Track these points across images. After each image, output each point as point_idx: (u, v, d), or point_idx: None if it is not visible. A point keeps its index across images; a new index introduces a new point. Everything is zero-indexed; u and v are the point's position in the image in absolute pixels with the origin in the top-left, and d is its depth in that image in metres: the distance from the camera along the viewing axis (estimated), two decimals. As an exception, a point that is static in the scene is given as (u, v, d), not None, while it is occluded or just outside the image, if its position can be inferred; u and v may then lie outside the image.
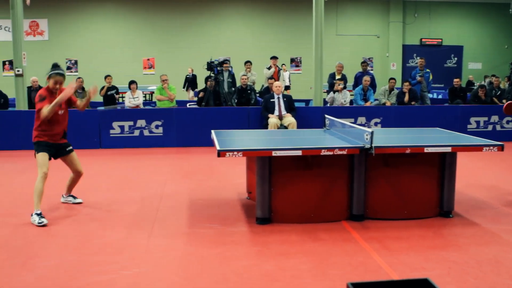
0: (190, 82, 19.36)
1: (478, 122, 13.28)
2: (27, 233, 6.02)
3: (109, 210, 6.94)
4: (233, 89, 14.08)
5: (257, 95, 14.26)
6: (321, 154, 5.99)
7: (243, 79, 13.63)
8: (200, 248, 5.42)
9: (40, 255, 5.26)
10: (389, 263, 4.95)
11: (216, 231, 5.97)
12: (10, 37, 13.75)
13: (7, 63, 20.96)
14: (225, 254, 5.24)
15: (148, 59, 22.02)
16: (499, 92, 15.47)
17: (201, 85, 14.71)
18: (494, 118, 13.32)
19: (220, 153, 5.83)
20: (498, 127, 13.33)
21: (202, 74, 14.87)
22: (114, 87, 14.89)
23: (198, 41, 22.30)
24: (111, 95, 14.72)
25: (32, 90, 14.11)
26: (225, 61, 14.02)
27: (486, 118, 13.31)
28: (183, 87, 19.34)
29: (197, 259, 5.13)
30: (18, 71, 13.28)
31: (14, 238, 5.84)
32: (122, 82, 17.08)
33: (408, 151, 6.11)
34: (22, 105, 13.36)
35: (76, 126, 12.16)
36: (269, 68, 15.15)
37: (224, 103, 13.55)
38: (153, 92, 16.96)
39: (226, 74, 14.26)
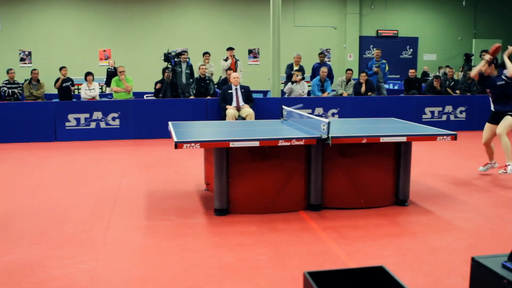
0: (112, 75, 16.79)
1: (432, 112, 13.53)
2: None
3: (66, 204, 6.84)
4: (191, 80, 14.00)
5: (215, 86, 14.22)
6: (279, 144, 6.03)
7: (201, 69, 13.56)
8: (159, 241, 5.40)
9: (-6, 251, 5.17)
10: (346, 252, 5.01)
11: (174, 223, 5.95)
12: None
13: (-43, 54, 20.39)
14: (184, 246, 5.23)
15: (104, 50, 21.69)
16: (453, 83, 15.78)
17: (159, 76, 14.56)
18: (448, 108, 13.59)
19: (177, 145, 5.81)
20: (452, 117, 13.61)
21: (159, 65, 14.74)
22: (69, 79, 14.64)
23: (155, 32, 22.06)
24: (66, 87, 14.46)
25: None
26: (182, 52, 13.93)
27: (440, 108, 13.58)
28: (105, 83, 18.14)
29: (155, 251, 5.11)
30: (-31, 62, 12.95)
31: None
32: (78, 74, 16.80)
33: (364, 141, 6.20)
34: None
35: (30, 118, 11.98)
36: (226, 60, 15.12)
37: (181, 94, 13.47)
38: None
39: (184, 66, 14.18)
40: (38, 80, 14.17)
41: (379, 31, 24.57)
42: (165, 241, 5.39)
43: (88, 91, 13.83)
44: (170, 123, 7.30)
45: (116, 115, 12.22)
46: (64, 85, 14.43)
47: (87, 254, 5.02)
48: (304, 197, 6.41)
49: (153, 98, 13.90)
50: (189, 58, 14.73)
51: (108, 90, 15.89)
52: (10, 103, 13.18)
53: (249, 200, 6.26)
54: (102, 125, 12.20)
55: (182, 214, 6.27)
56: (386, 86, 16.48)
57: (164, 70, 13.74)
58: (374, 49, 17.28)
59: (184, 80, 13.93)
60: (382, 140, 6.24)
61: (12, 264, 4.81)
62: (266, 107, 12.60)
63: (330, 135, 6.00)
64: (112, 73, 17.28)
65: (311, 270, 2.71)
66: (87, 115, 12.15)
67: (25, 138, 11.92)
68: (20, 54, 21.31)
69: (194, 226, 5.86)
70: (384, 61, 15.72)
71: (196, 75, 14.05)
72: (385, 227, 5.86)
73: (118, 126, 12.24)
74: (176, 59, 13.35)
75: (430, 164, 9.28)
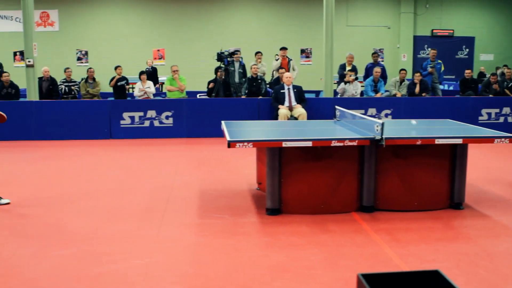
0: (150, 76, 16.88)
1: (489, 114, 13.21)
2: (38, 223, 6.07)
3: (120, 201, 6.98)
4: (243, 79, 14.07)
5: (267, 86, 14.25)
6: (331, 145, 6.00)
7: (253, 68, 13.61)
8: (211, 239, 5.45)
9: (52, 244, 5.31)
10: (399, 255, 4.95)
11: (226, 222, 5.99)
12: (21, 28, 13.78)
13: (18, 53, 20.95)
14: (236, 244, 5.27)
15: (158, 50, 21.99)
16: (511, 83, 15.35)
17: (209, 76, 14.69)
18: (506, 110, 13.23)
19: (230, 144, 5.85)
20: (509, 119, 13.24)
21: (211, 65, 14.88)
22: (124, 78, 14.91)
23: (208, 31, 22.23)
24: (121, 86, 14.74)
25: (43, 81, 14.13)
26: (235, 52, 13.99)
27: (497, 110, 13.23)
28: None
29: (208, 249, 5.16)
30: (29, 61, 13.31)
31: (26, 228, 5.90)
32: (132, 73, 17.09)
33: (419, 142, 6.10)
34: (33, 95, 13.39)
35: (86, 116, 12.26)
36: (277, 60, 15.12)
37: (234, 94, 13.54)
38: (163, 83, 16.94)
39: (237, 65, 14.25)
40: (94, 79, 14.49)
41: (434, 31, 24.13)
42: (217, 239, 5.43)
43: (143, 90, 14.04)
44: (223, 122, 7.35)
45: (169, 113, 12.38)
46: (119, 84, 14.71)
47: (141, 250, 5.11)
48: (356, 198, 6.35)
49: (206, 97, 14.02)
50: (241, 57, 14.79)
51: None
52: (68, 101, 13.54)
53: (301, 200, 6.25)
54: (156, 123, 12.39)
55: (234, 213, 6.31)
56: (442, 87, 16.18)
57: (216, 70, 13.85)
58: (429, 49, 16.98)
59: (236, 79, 14.01)
60: (437, 141, 6.13)
61: (69, 258, 4.94)
62: (319, 107, 12.54)
63: (384, 136, 5.93)
64: (150, 73, 17.47)
65: (363, 272, 2.69)
66: (141, 114, 12.37)
67: (81, 135, 12.21)
68: (77, 53, 21.81)
69: (246, 225, 5.89)
70: (439, 61, 15.43)
71: (248, 74, 14.11)
72: (439, 230, 5.76)
73: (172, 125, 12.40)
74: (229, 59, 13.42)
75: (486, 167, 9.06)
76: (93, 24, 22.01)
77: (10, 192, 7.32)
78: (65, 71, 14.72)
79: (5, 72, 13.89)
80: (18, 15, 20.54)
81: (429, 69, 14.85)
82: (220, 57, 13.45)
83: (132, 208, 6.62)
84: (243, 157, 9.53)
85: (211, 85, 13.77)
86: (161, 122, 12.40)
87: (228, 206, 6.61)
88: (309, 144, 5.95)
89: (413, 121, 6.82)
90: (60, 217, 6.31)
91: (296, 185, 6.23)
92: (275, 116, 12.03)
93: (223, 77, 13.47)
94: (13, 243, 5.39)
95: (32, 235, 5.63)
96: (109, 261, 4.85)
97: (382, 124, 5.94)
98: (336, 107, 8.15)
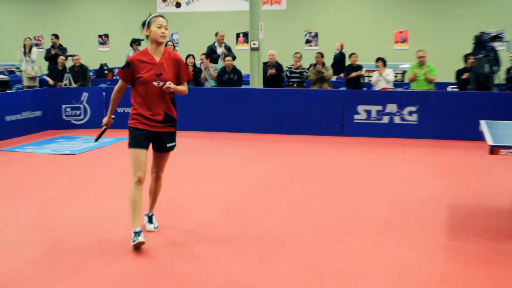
0: (337, 61, 17.54)
1: None
2: (256, 226, 6.38)
3: (352, 210, 7.06)
4: (494, 68, 13.27)
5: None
6: None
7: (511, 56, 12.88)
8: (462, 266, 5.26)
9: (276, 254, 5.55)
10: None
11: (483, 247, 5.74)
12: (246, 7, 14.49)
13: (241, 35, 22.20)
14: (494, 277, 5.01)
15: (401, 32, 21.83)
16: None
17: (459, 64, 14.14)
18: None
19: (493, 150, 5.63)
20: None
21: (465, 50, 14.31)
22: (359, 67, 15.05)
23: (463, 9, 21.50)
24: (356, 77, 14.92)
25: (268, 66, 14.65)
26: (499, 35, 13.34)
27: None
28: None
29: (457, 279, 4.98)
30: (254, 44, 13.97)
31: (242, 232, 6.21)
32: (369, 59, 17.19)
33: None
34: (256, 82, 14.04)
35: (315, 109, 12.57)
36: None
37: (485, 86, 12.90)
38: (405, 71, 16.82)
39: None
40: (323, 64, 14.73)
41: None
42: (471, 268, 5.22)
43: (381, 80, 14.06)
44: (482, 122, 7.11)
45: (413, 109, 12.18)
46: (353, 74, 14.92)
47: (375, 272, 5.11)
48: None
49: (457, 90, 13.63)
50: (508, 40, 14.01)
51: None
52: (294, 89, 13.98)
53: None
54: (397, 120, 12.27)
55: (493, 237, 6.03)
56: None
57: (466, 57, 13.35)
58: None
59: (486, 68, 13.27)
60: None
61: (293, 270, 5.13)
62: None
63: None
64: (338, 58, 17.37)
65: None
66: (380, 108, 12.35)
67: (307, 130, 12.55)
68: (306, 35, 22.50)
69: (508, 254, 5.57)
70: None
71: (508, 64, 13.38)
72: None
73: (416, 122, 12.17)
74: (491, 44, 12.80)
75: None
76: (324, 2, 22.52)
77: (230, 187, 7.82)
78: (293, 56, 15.14)
79: (229, 55, 14.54)
80: (243, -7, 21.82)
81: None
82: (479, 40, 12.90)
83: (366, 219, 6.66)
84: (505, 166, 9.09)
85: (466, 75, 13.31)
86: (403, 119, 12.26)
87: (485, 228, 6.35)
88: None
89: None
90: (279, 223, 6.56)
91: None
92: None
93: (474, 65, 12.92)
94: (230, 250, 5.70)
95: (249, 243, 5.92)
96: (337, 280, 4.91)
97: None
98: None
